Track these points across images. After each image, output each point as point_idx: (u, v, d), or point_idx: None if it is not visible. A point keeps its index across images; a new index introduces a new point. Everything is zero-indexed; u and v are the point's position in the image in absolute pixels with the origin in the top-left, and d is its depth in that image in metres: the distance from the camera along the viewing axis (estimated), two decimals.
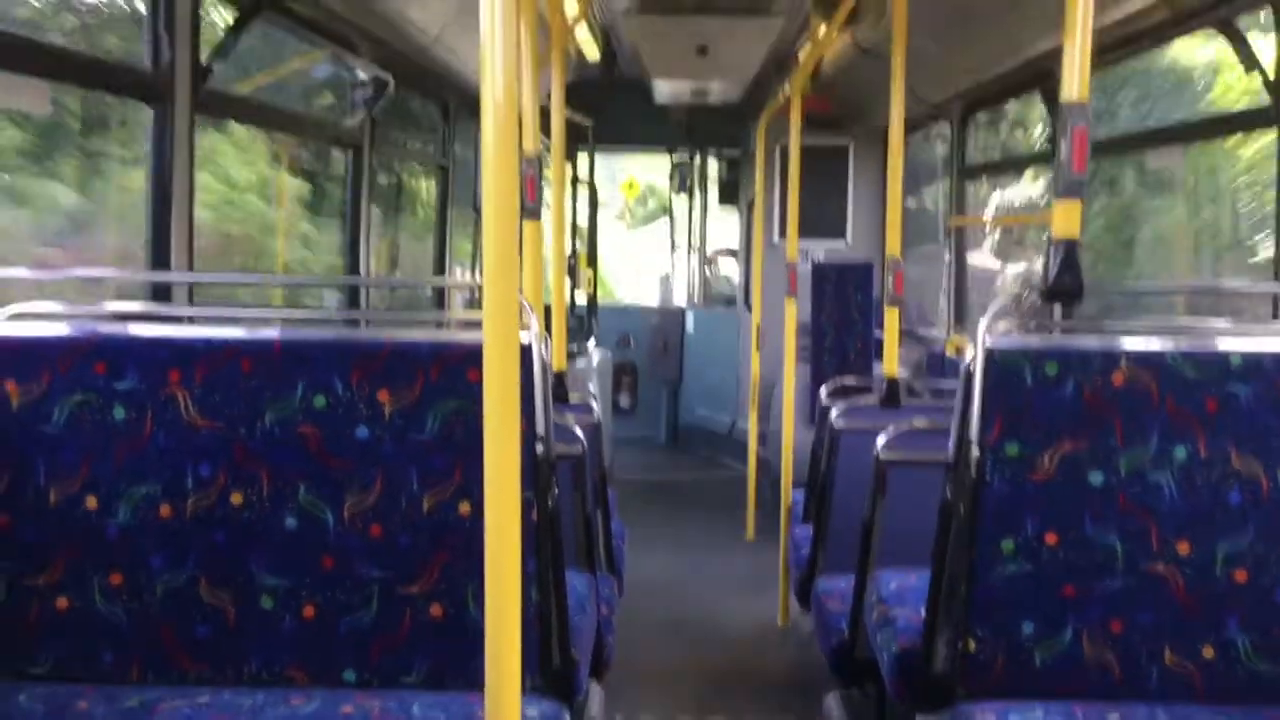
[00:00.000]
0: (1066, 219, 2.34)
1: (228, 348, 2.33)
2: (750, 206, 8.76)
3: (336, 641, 2.32)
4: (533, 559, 2.24)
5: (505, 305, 1.51)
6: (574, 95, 6.64)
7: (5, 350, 2.31)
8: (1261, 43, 3.49)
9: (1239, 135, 4.59)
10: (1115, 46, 4.10)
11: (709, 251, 10.56)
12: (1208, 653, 2.28)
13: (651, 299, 10.58)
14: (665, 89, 8.21)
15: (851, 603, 3.28)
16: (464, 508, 2.29)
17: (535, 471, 2.25)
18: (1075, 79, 2.29)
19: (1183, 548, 2.25)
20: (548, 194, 4.75)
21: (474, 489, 2.23)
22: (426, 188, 7.18)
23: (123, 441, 2.30)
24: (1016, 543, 2.28)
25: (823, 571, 3.95)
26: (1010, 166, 6.70)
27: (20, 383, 2.30)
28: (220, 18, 3.79)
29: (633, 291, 16.71)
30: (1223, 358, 2.26)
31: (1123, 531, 2.26)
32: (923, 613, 2.57)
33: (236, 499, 2.30)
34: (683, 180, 10.31)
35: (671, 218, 10.83)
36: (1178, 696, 2.28)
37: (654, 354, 9.98)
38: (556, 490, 2.36)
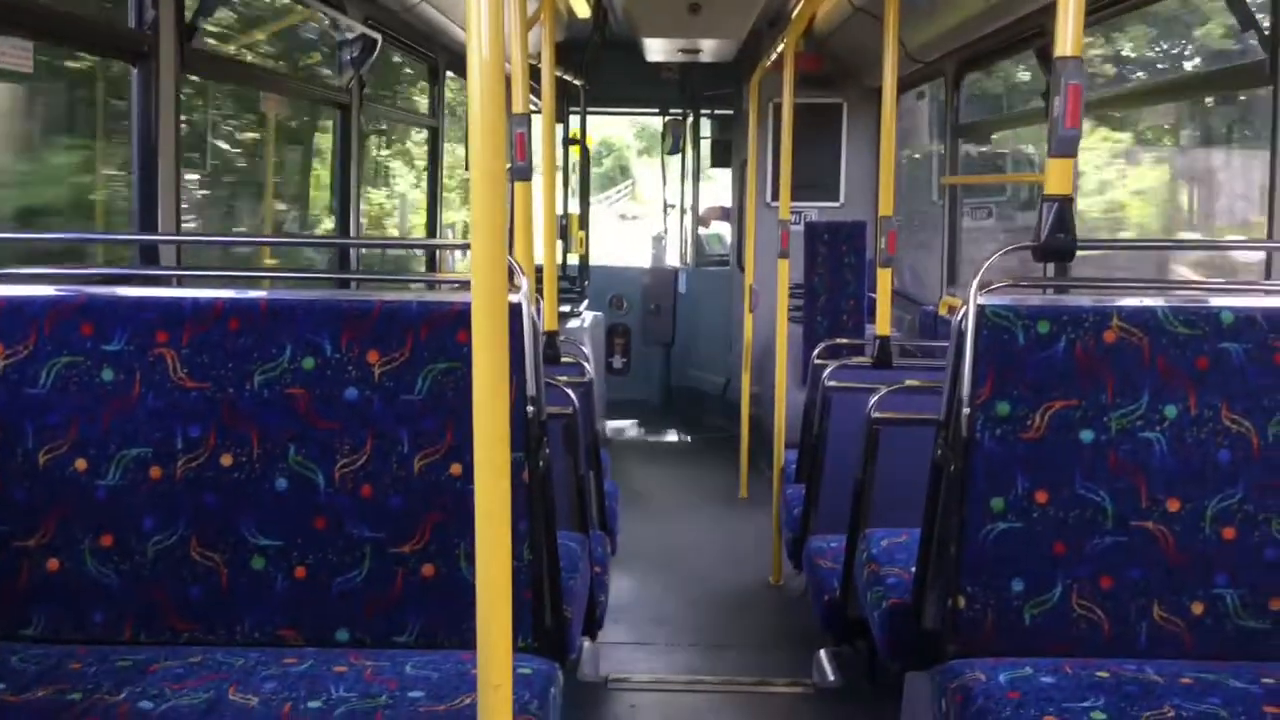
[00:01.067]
0: (1060, 176, 2.32)
1: (215, 308, 2.31)
2: (743, 167, 8.72)
3: (329, 601, 2.32)
4: (524, 519, 2.24)
5: (493, 265, 1.50)
6: (565, 55, 6.58)
7: None
8: None
9: None
10: (1110, 2, 4.06)
11: (701, 211, 10.51)
12: (1196, 609, 2.29)
13: (644, 261, 10.54)
14: (657, 48, 8.13)
15: (843, 561, 3.30)
16: (455, 468, 2.28)
17: (526, 432, 2.25)
18: (1069, 35, 2.27)
19: (1172, 505, 2.26)
20: (539, 155, 4.71)
21: (465, 450, 2.23)
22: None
23: (111, 403, 2.29)
24: (1007, 501, 2.28)
25: (815, 531, 3.96)
26: (1005, 124, 6.66)
27: (7, 345, 2.28)
28: None
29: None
30: (1214, 314, 2.25)
31: (1113, 489, 2.27)
32: (913, 571, 2.58)
33: (226, 460, 2.30)
34: (675, 141, 10.23)
35: (664, 178, 10.77)
36: (1167, 652, 2.30)
37: (646, 315, 9.96)
38: (547, 450, 2.36)
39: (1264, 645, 2.30)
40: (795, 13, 6.21)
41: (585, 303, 7.41)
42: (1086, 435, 2.26)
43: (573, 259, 8.14)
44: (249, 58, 4.98)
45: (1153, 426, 2.25)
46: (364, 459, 2.30)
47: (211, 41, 3.67)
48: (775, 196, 7.47)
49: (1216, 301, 2.30)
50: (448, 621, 2.33)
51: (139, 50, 3.27)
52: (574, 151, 8.92)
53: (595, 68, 8.07)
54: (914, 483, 2.56)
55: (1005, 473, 2.28)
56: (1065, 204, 2.31)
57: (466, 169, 7.30)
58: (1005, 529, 2.30)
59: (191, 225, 4.71)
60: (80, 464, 2.30)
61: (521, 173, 3.53)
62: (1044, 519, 2.29)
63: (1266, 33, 3.35)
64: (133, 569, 2.32)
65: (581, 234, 8.12)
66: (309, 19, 5.18)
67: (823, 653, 3.75)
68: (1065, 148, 2.29)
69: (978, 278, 2.28)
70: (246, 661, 2.20)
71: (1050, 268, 3.93)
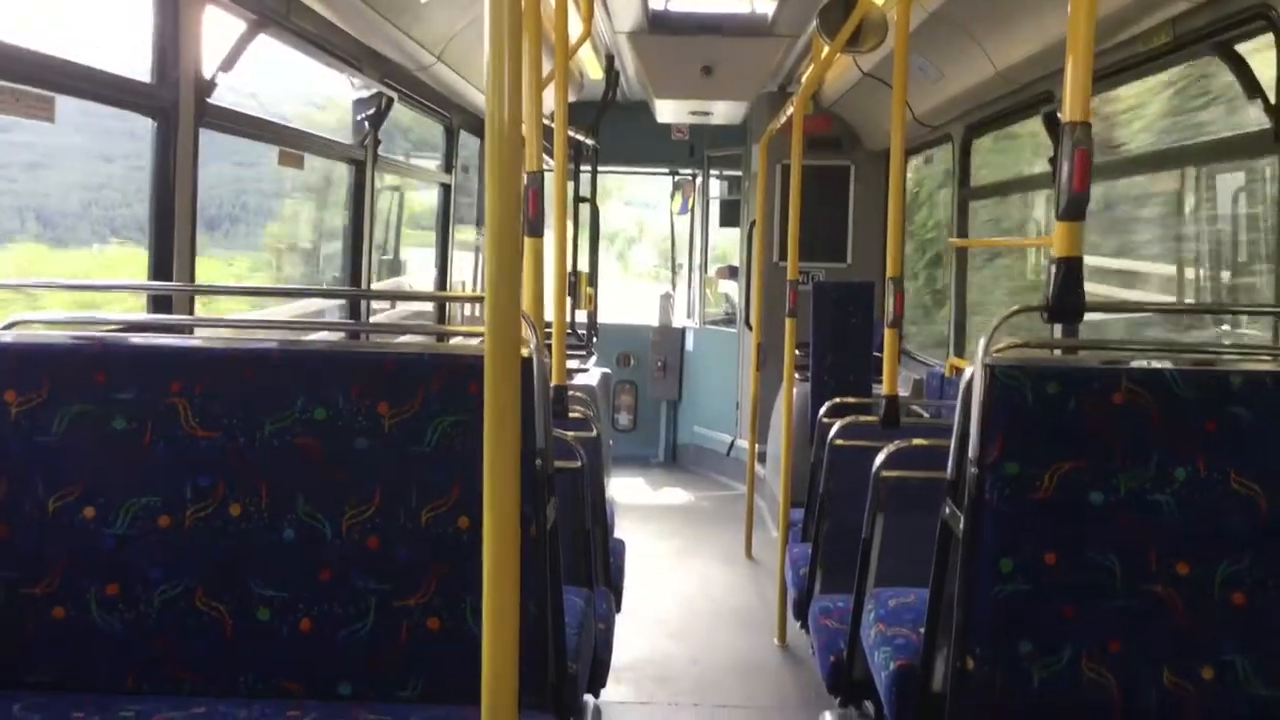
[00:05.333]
0: (1068, 239, 2.34)
1: (228, 357, 2.33)
2: (751, 227, 8.79)
3: (333, 654, 2.31)
4: (530, 573, 2.24)
5: (506, 319, 1.51)
6: (577, 114, 6.66)
7: (5, 359, 2.31)
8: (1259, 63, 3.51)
9: None
10: (1116, 70, 4.12)
11: (710, 271, 10.58)
12: (1206, 674, 2.27)
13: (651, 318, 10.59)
14: (668, 109, 8.24)
15: (849, 622, 3.28)
16: (463, 521, 2.28)
17: (534, 485, 2.25)
18: (1076, 100, 2.30)
19: (1182, 569, 2.25)
20: (550, 212, 4.76)
21: (473, 503, 2.23)
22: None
23: (122, 452, 2.30)
24: (1016, 562, 2.27)
25: (821, 590, 3.94)
26: (1013, 188, 6.72)
27: (20, 392, 2.29)
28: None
29: None
30: (1223, 378, 2.26)
31: (1122, 552, 2.25)
32: (921, 632, 2.56)
33: (235, 510, 2.30)
34: (684, 201, 10.35)
35: (673, 238, 10.85)
36: (1176, 718, 2.27)
37: (653, 372, 9.99)
38: (555, 505, 2.36)
39: (1275, 713, 2.27)
40: (804, 77, 6.31)
41: (593, 359, 7.44)
42: (1096, 497, 2.26)
43: (581, 315, 8.18)
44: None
45: (1162, 489, 2.25)
46: (372, 510, 2.29)
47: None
48: (783, 256, 7.52)
49: (1225, 364, 2.30)
50: (452, 676, 2.31)
51: (159, 105, 3.33)
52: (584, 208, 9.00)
53: (606, 127, 8.18)
54: (921, 543, 2.55)
55: (1014, 533, 2.27)
56: (1074, 266, 2.33)
57: (478, 224, 7.37)
58: (1014, 590, 2.28)
59: None
60: (89, 512, 2.30)
61: (533, 229, 3.57)
62: (1053, 581, 2.27)
63: (1273, 101, 3.39)
64: (138, 618, 2.31)
65: (590, 291, 8.17)
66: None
67: (828, 715, 3.70)
68: (1073, 211, 2.32)
69: (986, 338, 2.29)
70: (250, 713, 2.18)
71: (1059, 328, 3.95)
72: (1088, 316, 2.54)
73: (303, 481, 2.29)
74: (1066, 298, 2.32)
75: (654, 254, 11.01)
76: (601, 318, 8.42)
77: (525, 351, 2.15)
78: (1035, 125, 5.07)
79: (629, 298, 13.15)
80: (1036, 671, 2.29)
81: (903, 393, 4.42)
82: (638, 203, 15.80)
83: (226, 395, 2.30)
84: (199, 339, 2.45)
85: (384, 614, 2.30)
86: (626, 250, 18.21)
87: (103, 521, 2.30)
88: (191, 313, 3.46)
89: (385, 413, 2.28)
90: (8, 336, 2.39)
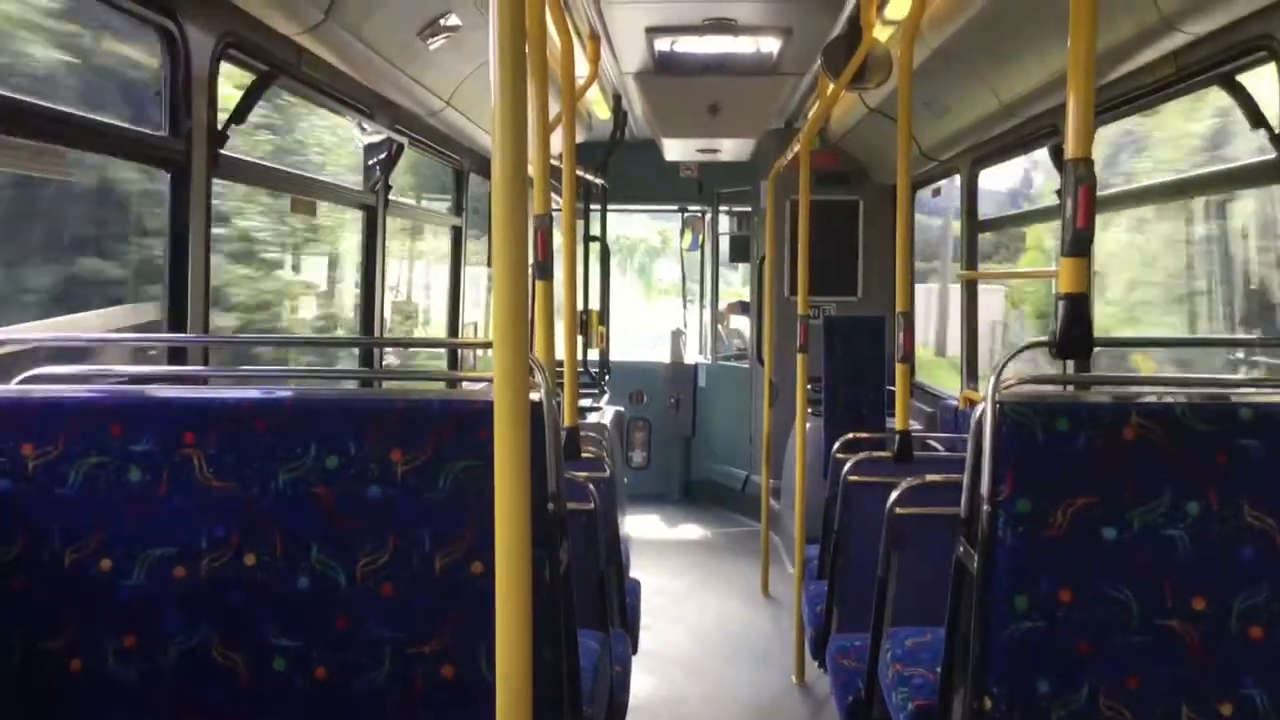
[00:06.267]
0: (1073, 275, 2.35)
1: (242, 408, 2.34)
2: (761, 262, 8.82)
3: (348, 702, 2.31)
4: (544, 618, 2.24)
5: (515, 364, 1.52)
6: (585, 154, 6.71)
7: (22, 412, 2.34)
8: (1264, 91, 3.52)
9: None
10: (1119, 103, 4.13)
11: (721, 306, 10.60)
12: (1225, 710, 2.25)
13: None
14: (676, 147, 8.30)
15: (867, 661, 3.26)
16: (476, 567, 2.28)
17: (546, 528, 2.25)
18: (1079, 136, 2.32)
19: (1198, 603, 2.23)
20: (560, 252, 4.79)
21: (486, 548, 2.23)
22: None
23: (138, 504, 2.31)
24: (1031, 599, 2.26)
25: (838, 628, 3.92)
26: (1021, 220, 6.74)
27: (37, 445, 2.31)
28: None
29: None
30: (1232, 410, 2.25)
31: (1137, 587, 2.24)
32: (938, 671, 2.55)
33: (250, 560, 2.31)
34: (695, 237, 10.39)
35: (684, 274, 10.89)
36: None
37: (666, 409, 9.99)
38: (567, 548, 2.36)
39: None
40: (810, 113, 6.35)
41: (606, 397, 7.45)
42: (1109, 533, 2.25)
43: (594, 354, 8.20)
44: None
45: (1175, 524, 2.24)
46: (385, 558, 2.30)
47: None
48: (793, 291, 7.54)
49: (1235, 397, 2.30)
50: None
51: (172, 157, 3.37)
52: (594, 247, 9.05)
53: (615, 166, 8.24)
54: (937, 579, 2.54)
55: (1028, 570, 2.27)
56: (1080, 301, 2.34)
57: (490, 265, 7.41)
58: (1030, 628, 2.27)
59: None
60: (105, 564, 2.31)
61: (543, 271, 3.59)
62: (1069, 618, 2.26)
63: (1277, 131, 3.40)
64: (154, 670, 2.31)
65: (602, 329, 8.20)
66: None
67: None
68: (1078, 247, 2.33)
69: (995, 374, 2.29)
70: None
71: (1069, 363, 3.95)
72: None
73: (316, 530, 2.30)
74: (1073, 333, 2.33)
75: (679, 267, 10.95)
76: (616, 354, 8.44)
77: (535, 395, 2.16)
78: None
79: (652, 319, 13.04)
80: (1055, 710, 2.27)
81: (916, 427, 4.41)
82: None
83: (240, 445, 2.31)
84: (212, 390, 2.47)
85: (398, 662, 2.30)
86: (649, 264, 17.98)
87: (119, 573, 2.31)
88: (206, 363, 3.48)
89: (398, 459, 2.29)
90: (25, 390, 2.42)
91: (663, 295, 15.48)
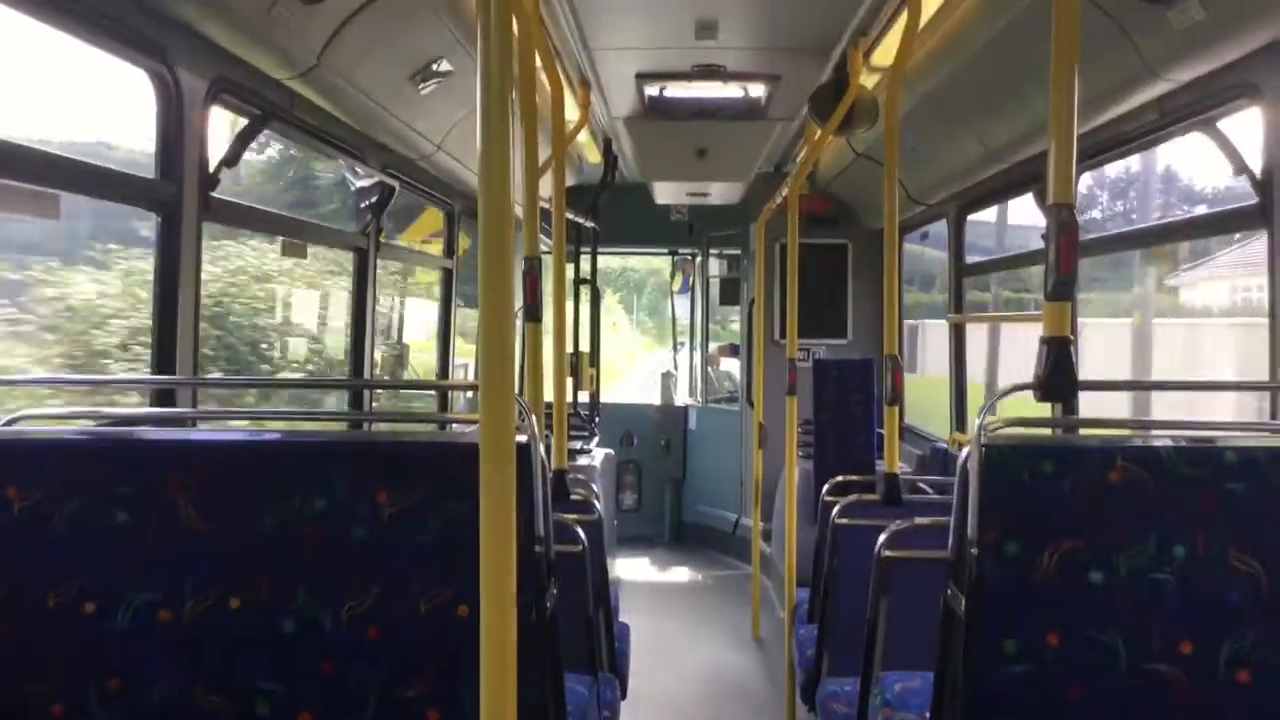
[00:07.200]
0: (1056, 319, 2.36)
1: (228, 450, 2.34)
2: (751, 305, 8.85)
3: None
4: (530, 662, 2.22)
5: (500, 405, 1.53)
6: (576, 197, 6.74)
7: (7, 454, 2.33)
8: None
9: None
10: (1102, 149, 4.18)
11: (711, 349, 10.63)
12: None
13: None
14: (666, 190, 8.35)
15: (857, 705, 3.24)
16: (462, 610, 2.27)
17: (533, 572, 2.24)
18: (1061, 183, 2.34)
19: (1185, 648, 2.23)
20: (549, 294, 4.81)
21: (472, 591, 2.22)
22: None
23: (123, 546, 2.30)
24: (1019, 643, 2.26)
25: (828, 672, 3.90)
26: (1008, 265, 6.78)
27: (21, 488, 2.30)
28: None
29: None
30: (1218, 454, 2.26)
31: (1124, 631, 2.24)
32: (927, 716, 2.54)
33: (235, 603, 2.29)
34: (684, 280, 10.43)
35: (674, 316, 10.92)
36: None
37: (657, 452, 9.98)
38: (554, 592, 2.35)
39: None
40: (799, 157, 6.40)
41: (596, 439, 7.44)
42: (1096, 576, 2.25)
43: (584, 396, 8.20)
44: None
45: (1162, 568, 2.24)
46: (371, 600, 2.29)
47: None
48: (783, 334, 7.56)
49: (1220, 440, 2.31)
50: None
51: (163, 200, 3.38)
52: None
53: (606, 208, 8.28)
54: (927, 622, 2.53)
55: (1016, 614, 2.26)
56: (1062, 346, 2.35)
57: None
58: (1020, 671, 2.26)
59: None
60: (89, 607, 2.29)
61: (532, 313, 3.60)
62: (1057, 662, 2.25)
63: (1259, 176, 3.44)
64: (137, 714, 2.29)
65: (592, 371, 8.20)
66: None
67: None
68: (1061, 292, 2.34)
69: (980, 418, 2.30)
70: None
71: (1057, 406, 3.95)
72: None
73: (302, 573, 2.29)
74: (1057, 377, 2.34)
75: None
76: (606, 395, 8.43)
77: (522, 437, 2.16)
78: None
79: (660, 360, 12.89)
80: None
81: (905, 469, 4.41)
82: None
83: (226, 488, 2.31)
84: (198, 432, 2.46)
85: (383, 706, 2.28)
86: (660, 302, 17.71)
87: (103, 616, 2.29)
88: (194, 405, 3.47)
89: (384, 502, 2.29)
90: (11, 432, 2.41)
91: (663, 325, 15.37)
